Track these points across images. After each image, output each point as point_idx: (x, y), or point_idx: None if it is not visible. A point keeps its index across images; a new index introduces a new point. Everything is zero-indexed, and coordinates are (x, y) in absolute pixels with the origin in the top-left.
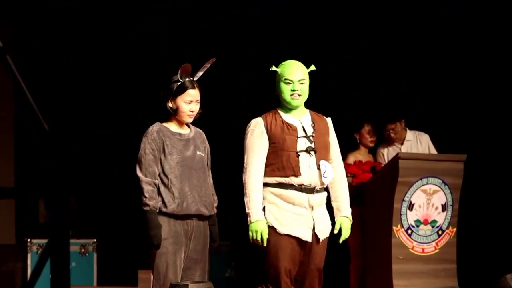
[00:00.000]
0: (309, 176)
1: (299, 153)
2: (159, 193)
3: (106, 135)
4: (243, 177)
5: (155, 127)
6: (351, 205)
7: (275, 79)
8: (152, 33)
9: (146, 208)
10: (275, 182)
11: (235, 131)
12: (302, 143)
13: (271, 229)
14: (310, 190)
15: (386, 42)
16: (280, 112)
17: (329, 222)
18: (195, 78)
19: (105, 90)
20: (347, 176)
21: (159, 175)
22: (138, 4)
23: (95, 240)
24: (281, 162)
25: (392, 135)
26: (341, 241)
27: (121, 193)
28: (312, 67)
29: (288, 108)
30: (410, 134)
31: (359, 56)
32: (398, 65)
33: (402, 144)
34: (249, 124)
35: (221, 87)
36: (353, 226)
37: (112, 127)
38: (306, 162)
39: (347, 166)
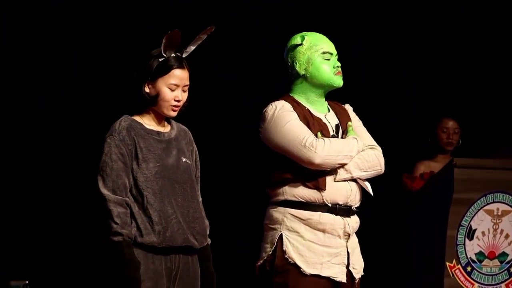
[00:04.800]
0: (345, 191)
1: None
2: (132, 217)
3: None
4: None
5: (123, 122)
6: None
7: (290, 56)
8: (152, 33)
9: (118, 238)
10: (297, 200)
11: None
12: None
13: (293, 268)
14: (346, 211)
15: (387, 42)
16: (300, 100)
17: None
18: (184, 55)
19: (106, 90)
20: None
21: (130, 191)
22: (139, 4)
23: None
24: (309, 172)
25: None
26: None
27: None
28: None
29: (314, 95)
30: None
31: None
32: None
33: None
34: (269, 107)
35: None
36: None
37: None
38: None
39: (410, 180)
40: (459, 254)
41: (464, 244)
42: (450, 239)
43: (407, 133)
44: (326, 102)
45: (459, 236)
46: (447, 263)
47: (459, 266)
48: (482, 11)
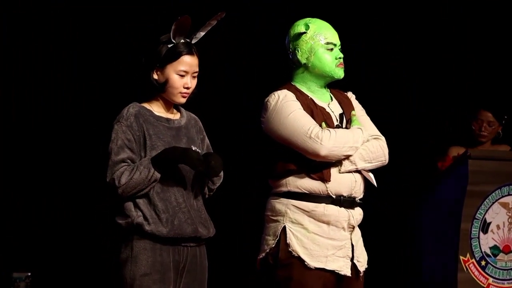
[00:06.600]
0: (349, 183)
1: None
2: (137, 206)
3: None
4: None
5: (131, 108)
6: None
7: (293, 43)
8: (152, 33)
9: (154, 177)
10: (300, 191)
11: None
12: None
13: (297, 261)
14: (350, 203)
15: (387, 42)
16: (302, 89)
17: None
18: (194, 41)
19: (106, 90)
20: None
21: None
22: (139, 4)
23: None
24: (314, 164)
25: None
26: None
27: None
28: None
29: (315, 85)
30: None
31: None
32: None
33: None
34: (271, 97)
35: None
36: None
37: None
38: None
39: (441, 162)
40: (473, 248)
41: (478, 237)
42: (464, 233)
43: (407, 133)
44: (328, 91)
45: (473, 229)
46: (461, 257)
47: (473, 260)
48: (482, 11)
